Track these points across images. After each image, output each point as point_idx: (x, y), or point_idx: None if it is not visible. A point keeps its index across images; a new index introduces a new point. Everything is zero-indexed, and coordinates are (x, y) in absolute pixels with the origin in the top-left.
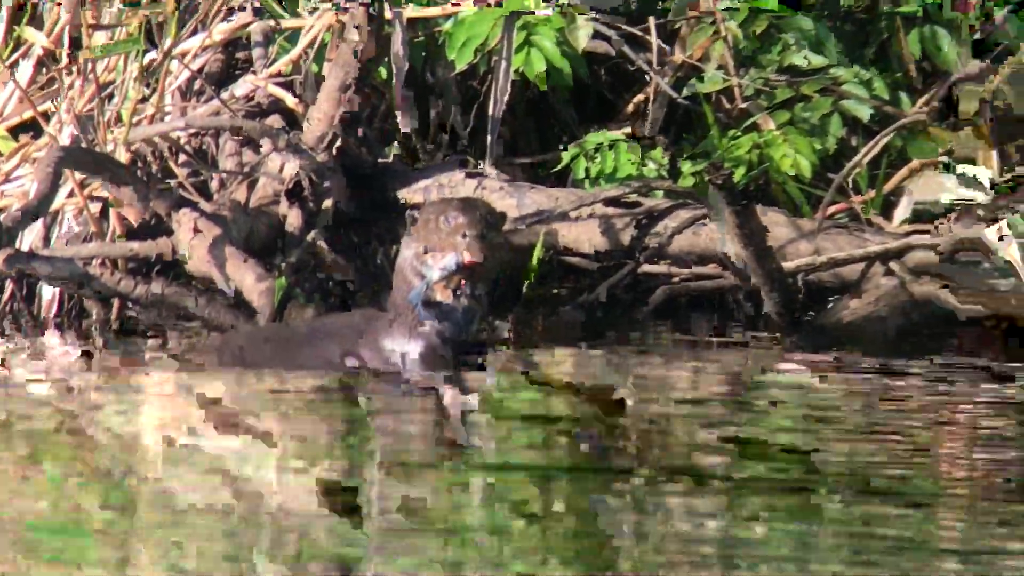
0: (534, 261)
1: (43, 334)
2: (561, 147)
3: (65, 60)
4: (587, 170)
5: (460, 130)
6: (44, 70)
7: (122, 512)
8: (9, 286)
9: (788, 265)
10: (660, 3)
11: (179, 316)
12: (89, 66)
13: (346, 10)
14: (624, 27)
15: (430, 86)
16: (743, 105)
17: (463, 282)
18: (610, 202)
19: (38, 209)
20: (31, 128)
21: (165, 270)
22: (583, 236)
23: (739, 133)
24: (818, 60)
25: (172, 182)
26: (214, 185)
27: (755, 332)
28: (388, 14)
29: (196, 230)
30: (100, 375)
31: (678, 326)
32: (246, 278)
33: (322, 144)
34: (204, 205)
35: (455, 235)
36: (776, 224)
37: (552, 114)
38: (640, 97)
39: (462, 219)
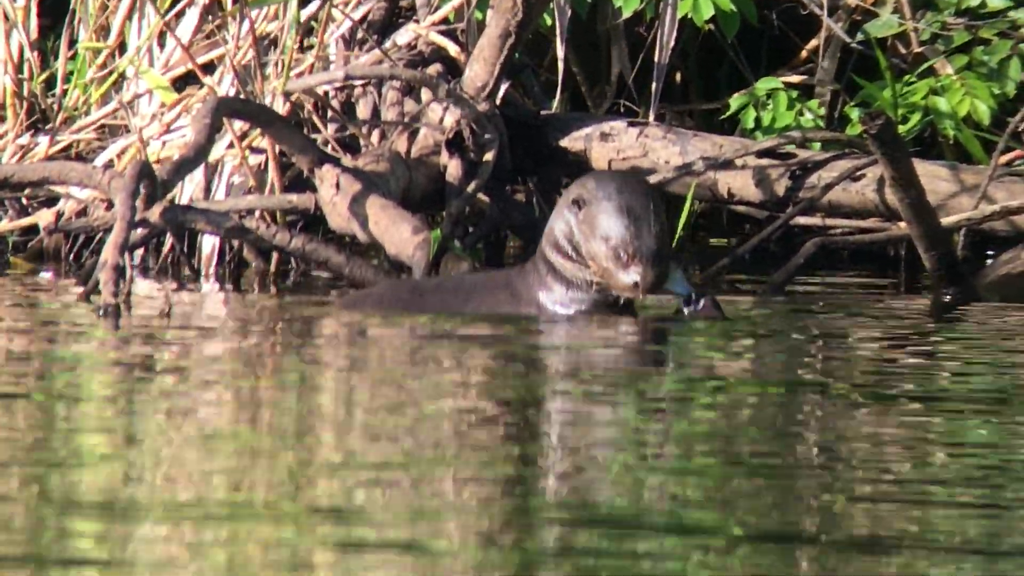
0: (685, 213)
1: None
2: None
3: (228, 8)
4: (757, 119)
5: (627, 77)
6: (210, 18)
7: None
8: (169, 238)
9: (950, 219)
10: None
11: (329, 271)
12: (248, 16)
13: None
14: None
15: (596, 34)
16: (919, 50)
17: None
18: (765, 153)
19: (194, 160)
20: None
21: (315, 224)
22: (749, 184)
23: (914, 79)
24: (997, 2)
25: (317, 137)
26: (362, 140)
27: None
28: None
29: (337, 186)
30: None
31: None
32: (401, 230)
33: (483, 93)
34: (347, 160)
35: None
36: (937, 177)
37: (722, 61)
38: (813, 43)
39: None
